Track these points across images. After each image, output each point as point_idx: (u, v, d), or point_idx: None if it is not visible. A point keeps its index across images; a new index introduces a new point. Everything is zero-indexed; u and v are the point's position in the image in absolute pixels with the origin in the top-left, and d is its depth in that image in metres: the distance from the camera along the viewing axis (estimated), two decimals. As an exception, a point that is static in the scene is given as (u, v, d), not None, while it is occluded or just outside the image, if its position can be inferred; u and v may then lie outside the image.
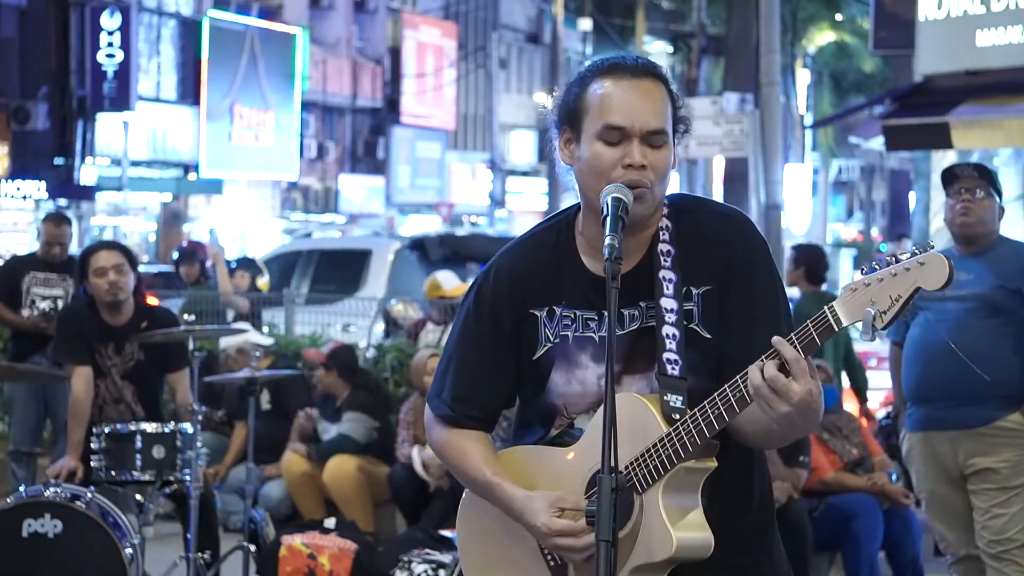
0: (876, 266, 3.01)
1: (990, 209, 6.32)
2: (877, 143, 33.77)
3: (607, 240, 3.06)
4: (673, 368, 3.20)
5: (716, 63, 35.69)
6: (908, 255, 2.96)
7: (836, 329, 3.02)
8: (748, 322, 3.23)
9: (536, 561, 3.33)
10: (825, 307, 3.03)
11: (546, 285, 3.32)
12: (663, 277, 3.24)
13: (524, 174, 48.02)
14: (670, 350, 3.20)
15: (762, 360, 3.04)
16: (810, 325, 3.04)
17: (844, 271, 30.14)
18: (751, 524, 3.36)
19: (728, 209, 3.36)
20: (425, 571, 7.48)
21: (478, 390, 3.39)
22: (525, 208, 46.12)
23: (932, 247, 2.96)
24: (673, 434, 3.13)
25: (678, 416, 3.16)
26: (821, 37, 40.90)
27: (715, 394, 3.11)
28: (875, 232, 55.10)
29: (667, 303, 3.22)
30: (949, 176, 6.44)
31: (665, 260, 3.25)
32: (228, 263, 13.70)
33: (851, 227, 56.69)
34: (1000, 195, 6.39)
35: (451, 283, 11.95)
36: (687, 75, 33.58)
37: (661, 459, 3.14)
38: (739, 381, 3.08)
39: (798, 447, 7.86)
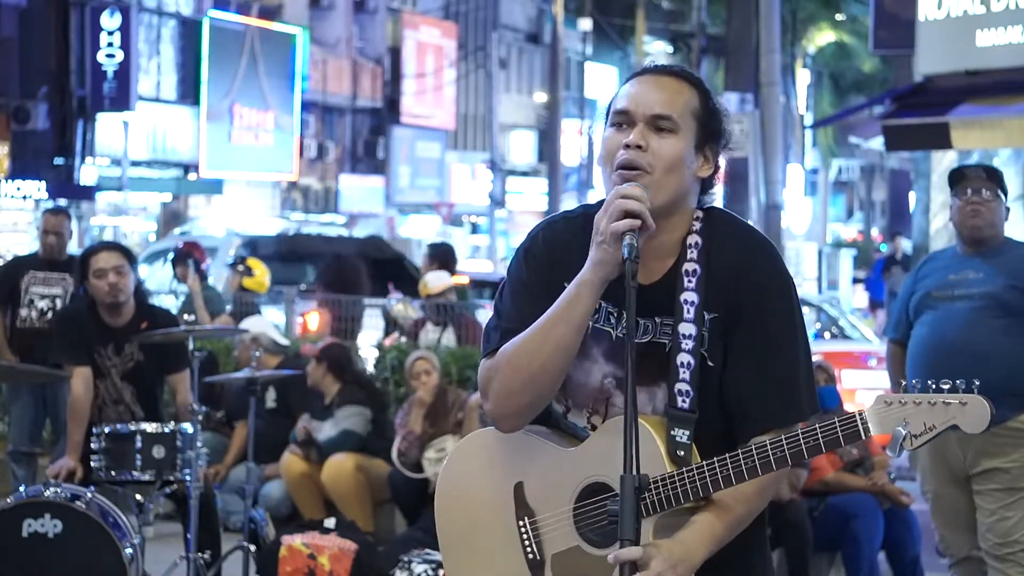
0: (915, 385, 3.01)
1: (998, 211, 6.34)
2: (877, 143, 33.79)
3: (626, 240, 3.05)
4: (684, 400, 3.17)
5: (716, 63, 35.68)
6: (949, 387, 2.97)
7: (863, 437, 3.03)
8: (757, 374, 3.19)
9: (514, 551, 3.33)
10: (856, 413, 3.04)
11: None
12: (684, 300, 3.19)
13: (524, 174, 48.03)
14: (683, 380, 3.17)
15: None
16: (838, 425, 3.04)
17: (844, 271, 30.09)
18: (739, 540, 3.32)
19: (753, 236, 3.27)
20: (425, 571, 7.49)
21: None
22: (525, 208, 46.12)
23: (976, 387, 2.96)
24: (676, 479, 3.12)
25: (682, 453, 3.14)
26: (821, 37, 40.92)
27: (727, 456, 3.10)
28: (875, 232, 55.13)
29: (685, 328, 3.18)
30: (957, 176, 6.45)
31: (689, 281, 3.20)
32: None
33: (851, 227, 56.72)
34: (1006, 195, 6.41)
35: (436, 281, 11.96)
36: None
37: (659, 498, 3.13)
38: (741, 454, 3.09)
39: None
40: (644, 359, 3.21)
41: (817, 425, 3.05)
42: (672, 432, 3.16)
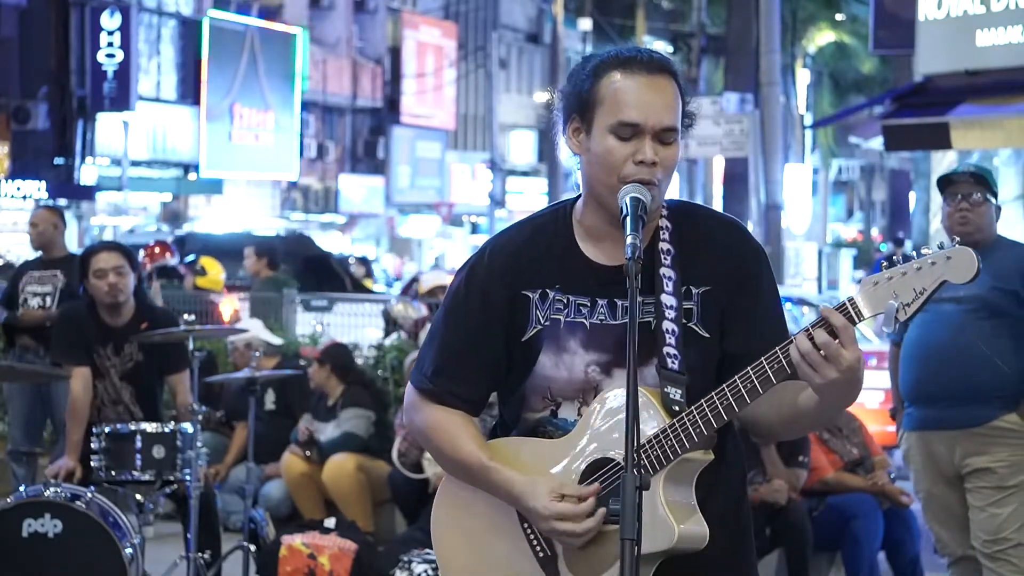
0: (896, 262, 3.00)
1: (987, 214, 6.35)
2: (877, 143, 33.77)
3: (628, 239, 3.09)
4: (673, 362, 3.23)
5: (716, 63, 35.70)
6: (932, 250, 2.95)
7: (857, 321, 3.03)
8: (760, 320, 3.30)
9: (522, 553, 3.32)
10: (846, 299, 3.05)
11: (541, 268, 3.33)
12: (663, 275, 3.27)
13: (524, 174, 48.03)
14: (670, 345, 3.23)
15: (809, 328, 3.06)
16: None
17: (844, 271, 30.08)
18: (737, 527, 3.38)
19: (726, 216, 3.43)
20: (425, 571, 7.48)
21: (462, 366, 3.37)
22: (525, 208, 46.09)
23: (957, 241, 2.97)
24: (678, 425, 3.16)
25: (678, 408, 3.18)
26: (821, 37, 40.88)
27: (724, 385, 3.14)
28: (875, 232, 55.12)
29: (667, 299, 3.25)
30: (945, 181, 6.45)
31: (665, 258, 3.28)
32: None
33: (851, 227, 56.70)
34: (996, 196, 6.41)
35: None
36: (687, 75, 33.56)
37: (664, 449, 3.16)
38: (751, 371, 3.12)
39: (798, 447, 7.87)
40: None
41: (809, 325, 3.07)
42: (666, 390, 3.20)
